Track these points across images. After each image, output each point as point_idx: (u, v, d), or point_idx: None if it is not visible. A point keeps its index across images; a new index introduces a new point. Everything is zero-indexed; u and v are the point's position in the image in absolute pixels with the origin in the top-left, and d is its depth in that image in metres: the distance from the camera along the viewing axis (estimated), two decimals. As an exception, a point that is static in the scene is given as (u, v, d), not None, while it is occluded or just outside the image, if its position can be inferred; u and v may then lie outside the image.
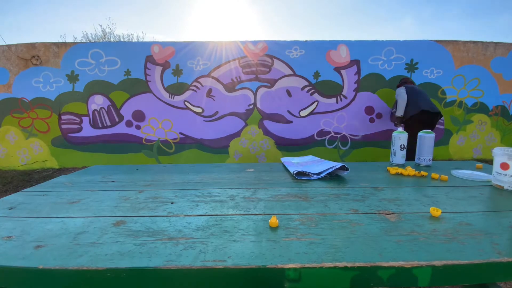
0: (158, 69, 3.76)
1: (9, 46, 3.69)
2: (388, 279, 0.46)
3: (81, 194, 0.86)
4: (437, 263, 0.45)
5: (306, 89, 3.85)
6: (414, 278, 0.46)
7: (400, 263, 0.45)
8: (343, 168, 1.01)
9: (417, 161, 1.22)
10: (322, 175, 1.00)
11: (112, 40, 12.35)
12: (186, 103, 3.84)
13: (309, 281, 0.46)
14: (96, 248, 0.51)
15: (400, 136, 1.22)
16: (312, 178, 0.99)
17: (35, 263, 0.47)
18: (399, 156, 1.22)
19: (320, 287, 0.47)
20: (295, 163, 1.21)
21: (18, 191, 0.90)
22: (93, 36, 12.50)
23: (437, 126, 3.98)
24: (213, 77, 3.79)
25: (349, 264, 0.45)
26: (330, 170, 1.00)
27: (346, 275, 0.46)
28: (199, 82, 3.80)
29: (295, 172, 1.02)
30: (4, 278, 0.47)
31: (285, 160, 1.28)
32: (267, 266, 0.45)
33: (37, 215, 0.69)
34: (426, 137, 1.19)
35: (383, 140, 3.97)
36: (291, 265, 0.45)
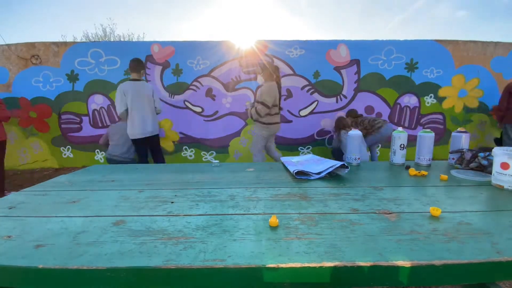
0: (158, 68, 3.75)
1: (8, 45, 3.68)
2: (388, 278, 0.46)
3: (81, 194, 0.86)
4: (437, 262, 0.45)
5: (306, 88, 3.85)
6: (414, 277, 0.46)
7: (400, 263, 0.45)
8: (343, 166, 1.01)
9: (417, 161, 1.22)
10: (322, 174, 1.00)
11: (112, 40, 12.33)
12: (186, 103, 3.83)
13: (309, 281, 0.46)
14: (96, 248, 0.52)
15: (400, 136, 1.21)
16: (312, 177, 0.99)
17: (35, 262, 0.47)
18: (399, 155, 1.22)
19: (320, 286, 0.47)
20: (295, 162, 1.21)
21: (18, 191, 0.90)
22: (94, 36, 12.50)
23: (437, 125, 3.98)
24: (213, 77, 3.78)
25: (349, 264, 0.45)
26: (330, 169, 1.00)
27: (346, 274, 0.46)
28: (199, 82, 3.79)
29: (295, 171, 1.02)
30: (4, 278, 0.47)
31: (285, 159, 1.28)
32: (267, 266, 0.45)
33: (37, 214, 0.69)
34: (426, 136, 1.19)
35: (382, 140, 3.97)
36: (291, 265, 0.45)
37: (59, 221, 0.64)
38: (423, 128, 3.94)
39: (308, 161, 1.20)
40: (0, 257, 0.49)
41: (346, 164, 1.01)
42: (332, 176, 1.02)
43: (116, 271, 0.45)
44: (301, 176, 1.01)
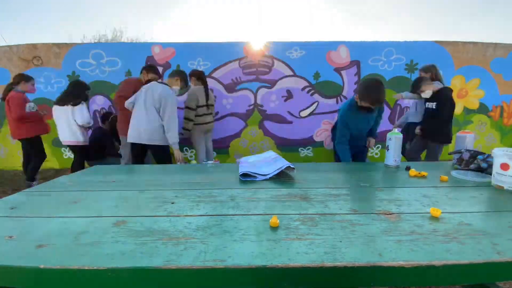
0: (159, 69, 3.76)
1: (10, 46, 3.69)
2: (388, 279, 0.46)
3: (82, 194, 0.86)
4: (437, 263, 0.45)
5: (306, 89, 3.85)
6: (414, 277, 0.46)
7: (400, 263, 0.45)
8: (289, 168, 1.02)
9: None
10: (268, 176, 1.00)
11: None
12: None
13: (309, 281, 0.46)
14: (97, 248, 0.52)
15: (390, 137, 1.20)
16: (257, 179, 0.99)
17: (36, 262, 0.47)
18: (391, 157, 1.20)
19: (320, 286, 0.47)
20: (251, 162, 1.20)
21: (19, 191, 0.91)
22: (104, 39, 12.55)
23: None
24: (213, 78, 3.79)
25: (349, 264, 0.45)
26: (277, 171, 1.01)
27: (346, 275, 0.46)
28: (199, 83, 3.80)
29: (241, 173, 1.02)
30: (6, 278, 0.47)
31: (242, 159, 1.27)
32: (267, 266, 0.46)
33: (38, 215, 0.69)
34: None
35: (383, 141, 3.96)
36: (291, 265, 0.46)
37: (60, 222, 0.65)
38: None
39: (263, 161, 1.19)
40: (2, 257, 0.49)
41: (292, 166, 1.02)
42: (280, 176, 1.02)
43: (117, 271, 0.46)
44: (247, 178, 1.01)
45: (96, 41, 11.75)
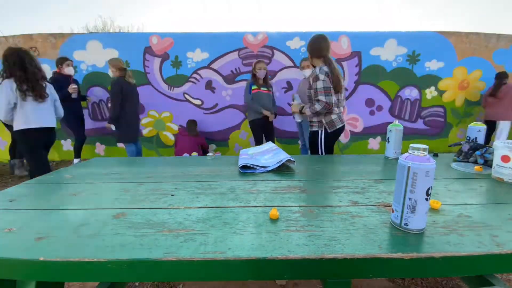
0: (157, 60, 3.71)
1: (6, 37, 3.63)
2: (388, 270, 0.46)
3: (81, 186, 0.86)
4: (437, 254, 0.46)
5: (307, 81, 3.82)
6: (413, 269, 0.46)
7: (399, 255, 0.46)
8: (289, 161, 1.03)
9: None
10: (268, 169, 1.00)
11: (112, 31, 12.18)
12: (186, 95, 3.81)
13: (309, 273, 0.46)
14: (97, 240, 0.52)
15: (390, 129, 1.19)
16: (257, 171, 0.99)
17: (36, 255, 0.47)
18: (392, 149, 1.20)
19: (320, 278, 0.47)
20: (250, 153, 1.20)
21: (19, 183, 0.90)
22: (93, 28, 12.37)
23: (437, 118, 3.96)
24: (212, 69, 3.75)
25: (348, 256, 0.46)
26: (278, 164, 1.01)
27: (346, 266, 0.46)
28: (198, 74, 3.76)
29: (240, 165, 1.02)
30: (5, 270, 0.47)
31: (242, 151, 1.26)
32: (267, 258, 0.46)
33: (37, 207, 0.69)
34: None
35: (383, 133, 3.96)
36: (291, 257, 0.46)
37: (60, 214, 0.64)
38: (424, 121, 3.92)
39: (262, 153, 1.19)
40: (2, 249, 0.49)
41: (292, 159, 1.02)
42: (281, 169, 1.02)
43: (117, 263, 0.46)
44: (246, 170, 1.01)
45: (85, 31, 11.58)
